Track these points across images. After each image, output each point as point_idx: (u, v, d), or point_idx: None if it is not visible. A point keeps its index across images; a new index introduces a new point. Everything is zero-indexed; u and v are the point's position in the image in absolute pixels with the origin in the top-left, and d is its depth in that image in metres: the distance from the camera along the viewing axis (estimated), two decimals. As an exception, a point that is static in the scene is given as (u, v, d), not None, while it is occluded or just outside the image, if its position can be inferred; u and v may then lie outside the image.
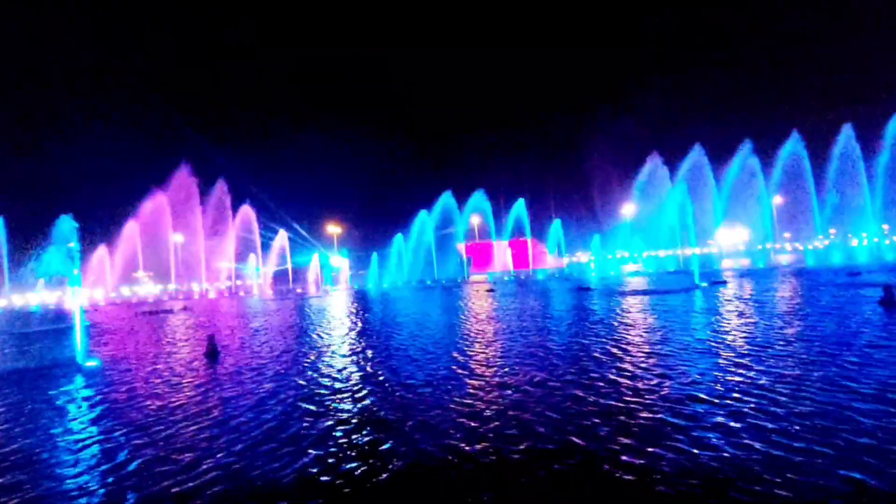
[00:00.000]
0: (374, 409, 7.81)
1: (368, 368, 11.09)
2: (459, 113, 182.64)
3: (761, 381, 7.77)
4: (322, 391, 9.12)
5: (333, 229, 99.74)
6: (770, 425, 5.84)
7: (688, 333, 13.00)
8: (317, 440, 6.46)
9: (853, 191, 65.36)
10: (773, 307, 18.03)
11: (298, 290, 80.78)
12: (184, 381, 10.91)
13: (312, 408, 8.01)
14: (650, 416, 6.52)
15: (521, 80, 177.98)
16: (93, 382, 11.46)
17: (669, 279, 44.58)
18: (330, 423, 7.18)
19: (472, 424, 6.66)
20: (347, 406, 8.05)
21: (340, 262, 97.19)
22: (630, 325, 15.52)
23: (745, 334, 12.24)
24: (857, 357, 9.05)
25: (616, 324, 16.10)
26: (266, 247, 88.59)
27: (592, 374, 9.05)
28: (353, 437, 6.51)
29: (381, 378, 9.99)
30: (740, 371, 8.55)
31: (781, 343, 10.84)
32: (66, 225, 16.65)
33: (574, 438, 5.87)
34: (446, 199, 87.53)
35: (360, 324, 21.91)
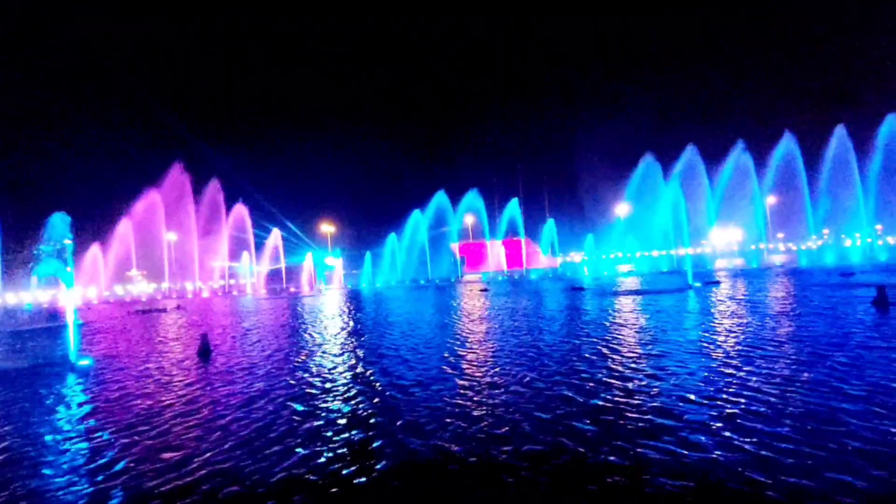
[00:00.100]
0: (364, 408, 7.77)
1: (359, 368, 11.05)
2: (454, 112, 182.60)
3: (752, 382, 7.76)
4: (312, 391, 9.07)
5: (327, 228, 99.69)
6: (759, 426, 5.81)
7: (679, 334, 13.01)
8: (305, 440, 6.40)
9: (846, 191, 65.79)
10: (765, 308, 18.10)
11: (292, 290, 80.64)
12: (175, 380, 10.85)
13: (302, 407, 7.96)
14: (639, 416, 6.49)
15: (517, 80, 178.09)
16: (85, 381, 11.40)
17: (663, 279, 44.71)
18: (319, 422, 7.13)
19: (461, 424, 6.62)
20: (337, 406, 8.00)
21: (334, 261, 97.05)
22: (622, 326, 15.53)
23: (737, 335, 12.27)
24: (849, 358, 9.05)
25: (608, 324, 16.11)
26: (259, 246, 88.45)
27: (583, 375, 9.02)
28: (342, 436, 6.46)
29: (371, 378, 9.95)
30: (731, 372, 8.55)
31: (773, 344, 10.86)
32: (60, 222, 16.51)
33: (563, 439, 5.84)
34: (440, 198, 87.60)
35: (352, 323, 21.88)
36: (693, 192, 70.51)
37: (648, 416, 6.46)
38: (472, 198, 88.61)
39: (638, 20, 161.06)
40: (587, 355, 10.83)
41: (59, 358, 14.56)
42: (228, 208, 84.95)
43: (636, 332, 14.07)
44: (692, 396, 7.23)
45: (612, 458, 5.21)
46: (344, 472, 5.31)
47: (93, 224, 79.12)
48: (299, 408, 7.95)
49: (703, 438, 5.56)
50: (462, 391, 8.39)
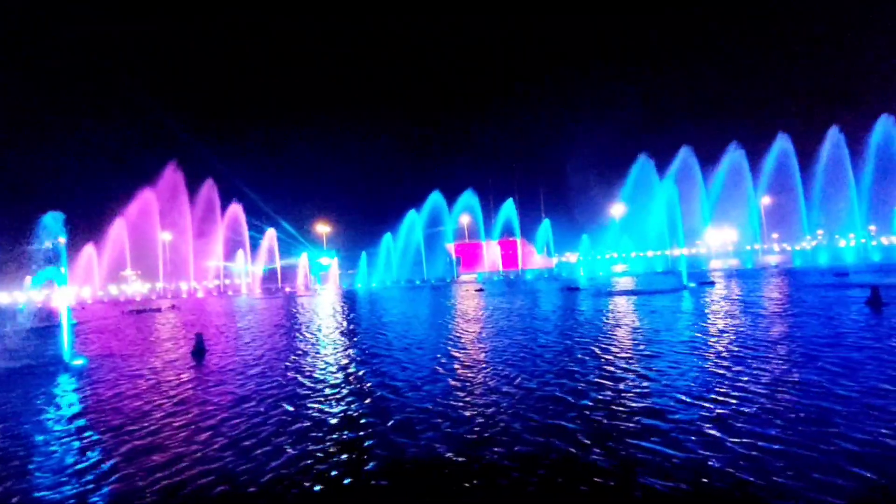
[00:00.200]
0: (355, 409, 7.71)
1: (352, 369, 11.00)
2: (449, 112, 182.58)
3: (743, 383, 7.74)
4: (304, 391, 9.01)
5: (322, 228, 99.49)
6: (749, 427, 5.79)
7: (673, 334, 13.01)
8: (296, 440, 6.36)
9: (840, 192, 66.09)
10: (760, 308, 18.14)
11: (287, 290, 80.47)
12: (169, 380, 10.80)
13: (293, 408, 7.90)
14: (630, 417, 6.47)
15: (512, 80, 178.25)
16: (78, 381, 11.35)
17: (658, 280, 44.83)
18: (309, 423, 7.08)
19: (452, 425, 6.59)
20: (328, 407, 7.95)
21: (329, 261, 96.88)
22: (616, 326, 15.54)
23: (730, 335, 12.28)
24: (842, 358, 9.04)
25: (602, 324, 16.12)
26: (255, 246, 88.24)
27: (576, 375, 9.00)
28: (332, 437, 6.42)
29: (363, 379, 9.89)
30: (723, 372, 8.54)
31: (767, 344, 10.85)
32: (53, 220, 16.38)
33: (554, 440, 5.81)
34: (435, 198, 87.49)
35: (346, 324, 21.83)
36: (688, 192, 70.77)
37: (639, 417, 6.43)
38: (468, 198, 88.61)
39: (635, 21, 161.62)
40: (580, 356, 10.81)
41: (52, 358, 14.47)
42: (224, 208, 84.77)
43: (630, 332, 14.07)
44: (683, 397, 7.20)
45: (602, 458, 5.17)
46: (333, 472, 5.27)
47: (87, 223, 78.80)
48: (291, 408, 7.90)
49: (692, 439, 5.54)
50: (454, 392, 8.35)
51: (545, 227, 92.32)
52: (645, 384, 8.10)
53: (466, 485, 4.86)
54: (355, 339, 16.25)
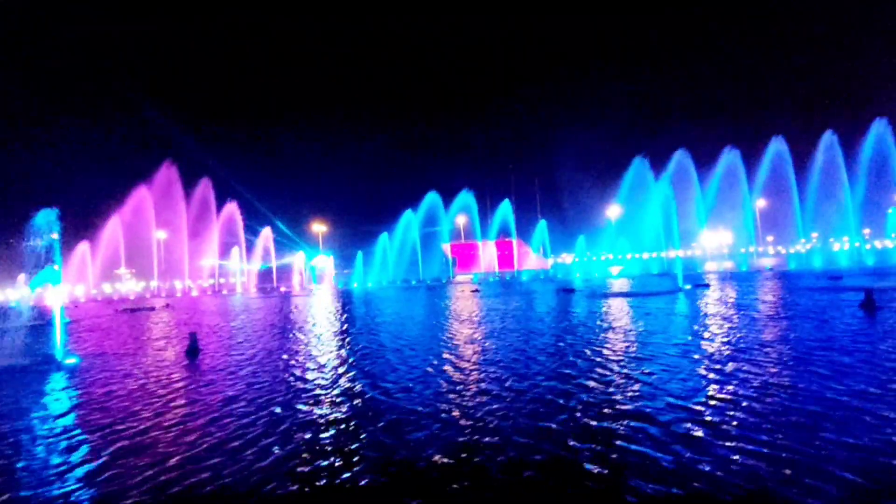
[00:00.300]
0: (345, 411, 7.67)
1: (344, 370, 10.94)
2: (445, 113, 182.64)
3: (736, 387, 7.73)
4: (297, 392, 8.96)
5: (318, 228, 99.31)
6: (740, 431, 5.78)
7: (667, 337, 13.01)
8: (286, 441, 6.33)
9: (834, 196, 66.41)
10: (754, 310, 18.16)
11: (282, 289, 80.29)
12: (161, 379, 10.77)
13: (284, 409, 7.86)
14: (624, 420, 6.45)
15: (508, 81, 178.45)
16: (70, 380, 11.30)
17: (653, 281, 44.88)
18: (301, 423, 7.04)
19: (443, 427, 6.56)
20: (320, 408, 7.90)
21: (325, 261, 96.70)
22: (611, 329, 15.53)
23: (724, 338, 12.28)
24: (834, 362, 9.03)
25: (597, 326, 16.12)
26: (250, 245, 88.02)
27: (570, 378, 8.98)
28: (322, 438, 6.38)
29: (355, 380, 9.85)
30: (717, 375, 8.53)
31: (760, 347, 10.84)
32: (46, 218, 16.28)
33: (545, 443, 5.79)
34: (432, 198, 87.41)
35: (340, 324, 21.77)
36: (684, 194, 71.00)
37: (628, 420, 6.41)
38: (464, 198, 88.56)
39: (632, 22, 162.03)
40: (575, 358, 10.79)
41: (45, 356, 14.38)
42: (219, 207, 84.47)
43: (625, 335, 14.05)
44: (675, 400, 7.18)
45: (590, 461, 5.15)
46: (321, 473, 5.25)
47: (81, 221, 78.28)
48: (281, 409, 7.85)
49: (681, 442, 5.52)
50: (446, 394, 8.32)
51: (541, 227, 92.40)
52: (636, 387, 8.09)
53: (455, 486, 4.84)
54: (349, 339, 16.21)
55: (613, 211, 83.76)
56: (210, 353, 13.99)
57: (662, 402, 7.15)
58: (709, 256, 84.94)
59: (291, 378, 10.21)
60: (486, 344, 13.53)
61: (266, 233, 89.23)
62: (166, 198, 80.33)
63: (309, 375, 10.42)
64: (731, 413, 6.46)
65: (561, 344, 12.78)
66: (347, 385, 9.44)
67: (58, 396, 9.76)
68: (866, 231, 78.97)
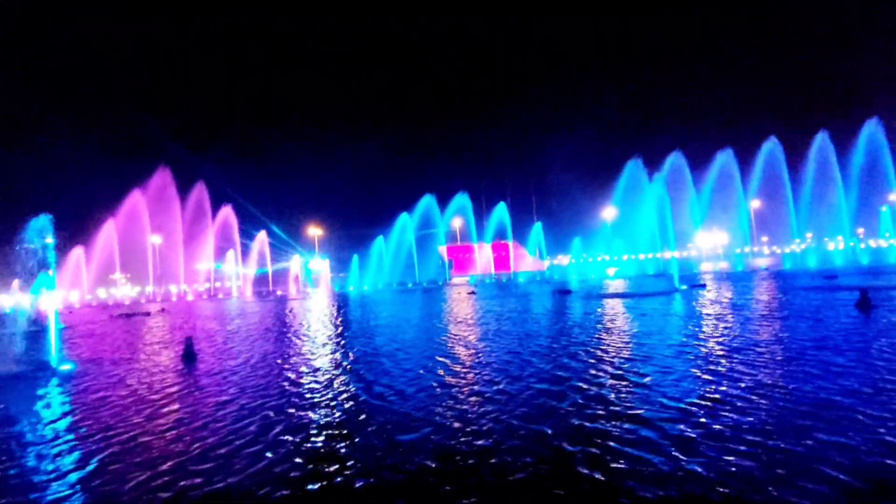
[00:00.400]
0: (353, 414, 7.67)
1: (341, 373, 10.91)
2: (441, 116, 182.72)
3: (731, 387, 7.73)
4: (292, 397, 8.93)
5: (314, 231, 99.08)
6: (736, 432, 5.78)
7: (663, 337, 13.03)
8: (294, 445, 6.32)
9: (829, 195, 66.75)
10: (750, 311, 18.21)
11: (279, 293, 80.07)
12: (157, 384, 10.74)
13: (280, 413, 7.84)
14: (617, 421, 6.45)
15: (504, 83, 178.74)
16: (65, 386, 11.23)
17: (649, 282, 44.91)
18: (308, 427, 7.03)
19: (438, 430, 6.55)
20: (315, 412, 7.87)
21: (321, 264, 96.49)
22: (607, 329, 15.55)
23: (719, 338, 12.29)
24: (830, 362, 9.04)
25: (593, 327, 16.12)
26: (246, 249, 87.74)
27: (566, 379, 8.99)
28: (332, 441, 6.38)
29: (350, 383, 9.81)
30: (711, 376, 8.53)
31: (756, 347, 10.86)
32: (40, 223, 16.20)
33: (541, 446, 5.79)
34: (427, 201, 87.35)
35: (336, 328, 21.71)
36: (679, 195, 71.17)
37: (631, 421, 6.41)
38: (460, 200, 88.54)
39: (626, 24, 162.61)
40: (572, 359, 10.81)
41: (39, 363, 14.28)
42: (214, 211, 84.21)
43: (621, 335, 14.08)
44: (669, 401, 7.18)
45: (592, 464, 5.14)
46: (317, 477, 5.24)
47: (76, 226, 77.89)
48: (276, 414, 7.83)
49: (676, 443, 5.52)
50: (442, 397, 8.30)
51: (537, 229, 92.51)
52: (631, 388, 8.09)
53: (447, 487, 4.84)
54: (344, 343, 16.17)
55: (609, 212, 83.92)
56: (206, 358, 13.92)
57: (656, 403, 7.15)
58: (704, 257, 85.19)
59: (286, 382, 10.16)
60: (481, 346, 13.52)
61: (262, 236, 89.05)
62: (161, 202, 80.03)
63: (304, 380, 10.38)
64: (725, 414, 6.46)
65: (556, 346, 12.77)
66: (341, 389, 9.40)
67: (52, 403, 9.72)
68: (860, 230, 79.40)
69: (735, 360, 9.58)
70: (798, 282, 33.30)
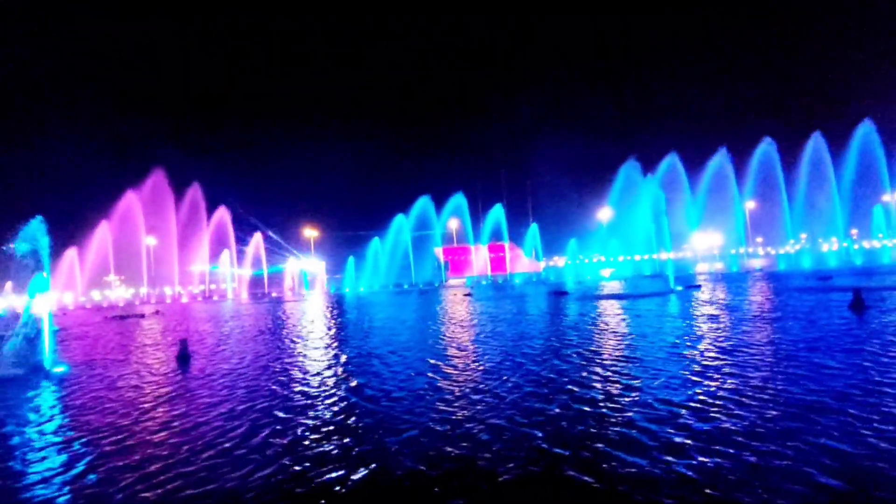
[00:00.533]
0: (342, 416, 7.62)
1: (338, 375, 10.89)
2: (437, 117, 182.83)
3: (722, 390, 7.72)
4: (290, 398, 8.90)
5: (310, 233, 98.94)
6: (727, 435, 5.77)
7: (657, 339, 13.04)
8: (282, 447, 6.27)
9: (823, 197, 67.10)
10: (744, 311, 18.26)
11: (274, 295, 79.94)
12: (151, 387, 10.67)
13: (279, 415, 7.80)
14: (616, 421, 6.45)
15: (500, 85, 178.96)
16: (59, 388, 11.17)
17: (645, 283, 45.00)
18: (296, 430, 6.97)
19: (434, 433, 6.52)
20: (314, 413, 7.84)
21: (317, 265, 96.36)
22: (603, 330, 15.57)
23: (713, 340, 12.30)
24: (822, 364, 9.04)
25: (589, 328, 16.16)
26: (241, 250, 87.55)
27: (562, 379, 8.99)
28: (319, 444, 6.33)
29: (350, 385, 9.78)
30: (702, 378, 8.52)
31: (749, 349, 10.86)
32: (34, 225, 16.10)
33: (541, 444, 5.79)
34: (423, 202, 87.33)
35: (332, 329, 21.69)
36: (675, 197, 71.40)
37: (626, 422, 6.41)
38: (457, 202, 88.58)
39: (623, 25, 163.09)
40: (568, 360, 10.83)
41: (33, 365, 14.19)
42: (209, 212, 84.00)
43: (617, 336, 14.10)
44: (669, 400, 7.19)
45: (588, 464, 5.12)
46: (322, 480, 5.21)
47: (70, 227, 77.49)
48: (276, 415, 7.80)
49: (677, 443, 5.51)
50: (437, 399, 8.27)
51: (533, 231, 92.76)
52: (622, 390, 8.08)
53: (446, 492, 4.82)
54: (338, 345, 16.15)
55: (605, 213, 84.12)
56: (200, 360, 13.87)
57: (646, 404, 7.14)
58: (700, 258, 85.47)
59: (279, 386, 10.11)
60: (475, 348, 13.51)
61: (257, 238, 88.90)
62: (156, 203, 79.78)
63: (297, 383, 10.33)
64: (714, 415, 6.45)
65: (549, 347, 12.78)
66: (332, 391, 9.37)
67: (45, 405, 9.65)
68: (854, 231, 79.92)
69: (727, 363, 9.58)
70: (792, 283, 33.42)
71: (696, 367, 9.35)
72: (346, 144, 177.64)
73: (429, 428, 6.74)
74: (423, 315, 26.33)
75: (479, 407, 7.64)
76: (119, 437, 7.14)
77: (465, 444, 5.99)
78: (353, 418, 7.47)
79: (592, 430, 6.25)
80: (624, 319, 18.38)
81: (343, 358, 13.20)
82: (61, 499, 5.15)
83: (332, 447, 6.22)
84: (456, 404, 7.87)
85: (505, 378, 9.47)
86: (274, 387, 9.94)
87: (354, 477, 5.24)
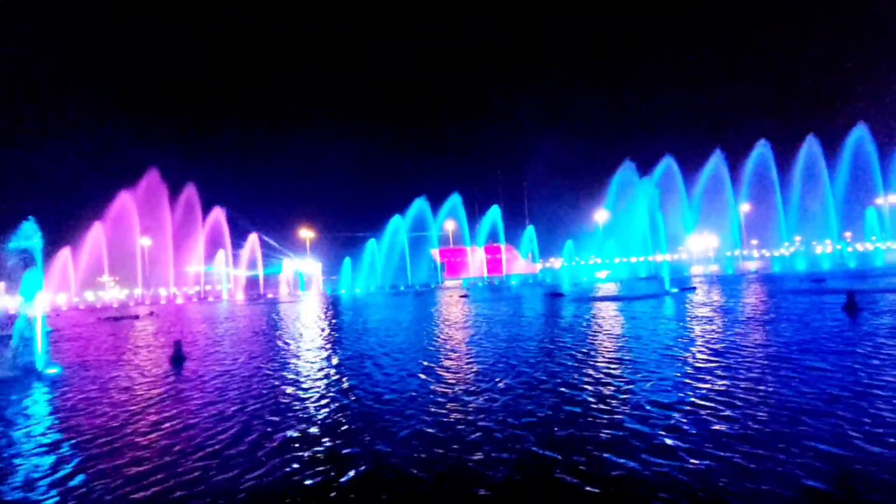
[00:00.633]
0: (336, 417, 7.61)
1: (331, 377, 10.85)
2: (434, 119, 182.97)
3: (713, 392, 7.73)
4: (284, 399, 8.87)
5: (306, 234, 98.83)
6: (717, 438, 5.78)
7: (654, 340, 13.08)
8: (275, 449, 6.24)
9: (816, 200, 67.50)
10: (738, 314, 18.33)
11: (270, 296, 79.73)
12: (145, 388, 10.59)
13: (270, 417, 7.76)
14: (609, 423, 6.45)
15: (496, 87, 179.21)
16: (51, 390, 11.08)
17: (640, 285, 45.18)
18: (290, 432, 6.94)
19: (434, 432, 6.52)
20: (308, 415, 7.82)
21: (312, 267, 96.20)
22: (598, 332, 15.59)
23: (706, 342, 12.32)
24: (814, 367, 9.05)
25: (584, 330, 16.18)
26: (237, 251, 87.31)
27: (556, 381, 8.99)
28: (313, 446, 6.30)
29: (342, 387, 9.76)
30: (699, 378, 8.55)
31: (744, 350, 10.91)
32: (27, 225, 16.01)
33: (533, 447, 5.78)
34: (420, 204, 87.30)
35: (327, 331, 21.66)
36: (670, 199, 71.74)
37: (618, 423, 6.42)
38: (453, 203, 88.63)
39: (619, 27, 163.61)
40: (562, 362, 10.82)
41: (25, 367, 14.10)
42: (205, 213, 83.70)
43: (611, 338, 14.13)
44: (657, 405, 7.17)
45: (581, 466, 5.12)
46: (314, 481, 5.19)
47: (63, 227, 76.97)
48: (271, 417, 7.77)
49: (669, 445, 5.52)
50: (433, 400, 8.26)
51: (529, 232, 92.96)
52: (613, 392, 8.08)
53: (442, 494, 4.82)
54: (337, 346, 16.13)
55: (601, 215, 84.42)
56: (195, 362, 13.81)
57: (638, 407, 7.14)
58: (695, 260, 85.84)
59: (280, 385, 10.09)
60: (470, 350, 13.51)
61: (252, 239, 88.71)
62: (151, 203, 79.38)
63: (299, 383, 10.32)
64: (706, 418, 6.45)
65: (552, 346, 12.85)
66: (338, 392, 9.35)
67: (37, 407, 9.59)
68: (847, 234, 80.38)
69: (719, 364, 9.60)
70: (786, 285, 33.57)
71: (689, 370, 9.37)
72: (342, 145, 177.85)
73: (420, 430, 6.71)
74: (418, 317, 26.32)
75: (470, 409, 7.62)
76: (109, 438, 7.09)
77: (455, 447, 5.98)
78: (344, 420, 7.45)
79: (583, 432, 6.24)
80: (618, 322, 18.41)
81: (336, 360, 13.17)
82: (48, 501, 5.10)
83: (322, 449, 6.19)
84: (448, 406, 7.85)
85: (498, 380, 9.46)
86: (266, 389, 9.89)
87: (344, 479, 5.21)
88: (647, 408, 7.08)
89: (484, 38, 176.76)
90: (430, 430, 6.67)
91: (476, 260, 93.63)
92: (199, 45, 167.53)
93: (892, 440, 5.39)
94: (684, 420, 6.45)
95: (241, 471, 5.59)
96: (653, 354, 11.15)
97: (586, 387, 8.52)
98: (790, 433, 5.75)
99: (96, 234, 77.38)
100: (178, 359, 13.80)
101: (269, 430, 7.12)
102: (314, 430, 7.07)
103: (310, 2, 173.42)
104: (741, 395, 7.40)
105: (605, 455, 5.42)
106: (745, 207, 77.54)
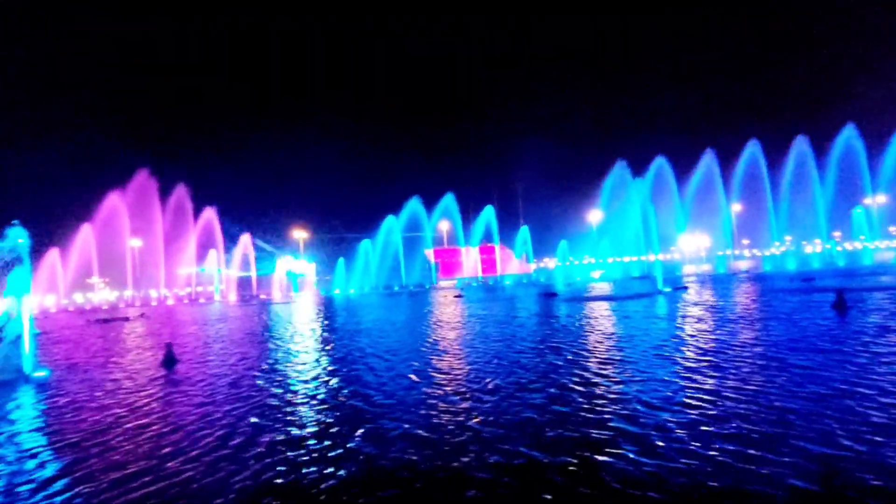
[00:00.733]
0: (326, 419, 7.58)
1: (324, 378, 10.82)
2: (429, 119, 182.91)
3: (704, 391, 7.75)
4: (275, 402, 8.81)
5: (299, 234, 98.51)
6: (707, 437, 5.79)
7: (646, 339, 13.11)
8: (265, 451, 6.21)
9: (806, 200, 68.04)
10: (730, 312, 18.43)
11: (262, 297, 79.42)
12: (135, 391, 10.51)
13: (264, 419, 7.72)
14: (601, 423, 6.45)
15: (491, 88, 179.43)
16: (39, 393, 10.97)
17: (633, 284, 45.32)
18: (280, 434, 6.90)
19: (424, 434, 6.50)
20: (299, 417, 7.78)
21: (306, 267, 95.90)
22: (591, 332, 15.64)
23: (697, 340, 12.37)
24: (806, 362, 9.14)
25: (577, 330, 16.23)
26: (229, 252, 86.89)
27: (548, 381, 8.99)
28: (303, 448, 6.26)
29: (336, 388, 9.73)
30: (685, 381, 8.54)
31: (735, 348, 10.97)
32: (14, 226, 15.82)
33: (523, 448, 5.76)
34: (414, 204, 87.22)
35: (320, 332, 21.60)
36: (663, 199, 72.07)
37: (611, 423, 6.42)
38: (447, 203, 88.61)
39: (614, 28, 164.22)
40: (555, 362, 10.81)
41: (12, 369, 13.95)
42: (196, 213, 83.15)
43: (604, 337, 14.16)
44: (654, 402, 7.21)
45: (571, 466, 5.13)
46: (303, 482, 5.18)
47: (51, 228, 76.06)
48: (261, 419, 7.72)
49: (661, 444, 5.53)
50: (427, 400, 8.26)
51: (523, 233, 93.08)
52: (618, 389, 8.10)
53: (436, 493, 4.81)
54: (329, 347, 16.09)
55: (595, 216, 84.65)
56: (186, 364, 13.71)
57: (629, 406, 7.15)
58: (687, 259, 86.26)
59: (272, 387, 10.04)
60: (470, 349, 13.50)
61: (245, 240, 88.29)
62: (141, 204, 78.71)
63: (290, 384, 10.28)
64: (695, 417, 6.47)
65: (544, 346, 12.87)
66: (329, 393, 9.34)
67: (24, 411, 9.49)
68: (837, 234, 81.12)
69: (710, 363, 9.64)
70: (777, 284, 33.78)
71: (679, 369, 9.40)
72: (336, 145, 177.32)
73: (411, 432, 6.69)
74: (412, 317, 26.28)
75: (462, 409, 7.61)
76: (97, 441, 7.04)
77: (446, 448, 5.96)
78: (335, 422, 7.41)
79: (574, 432, 6.24)
80: (611, 321, 18.45)
81: (328, 361, 13.12)
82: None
83: (312, 452, 6.15)
84: (439, 407, 7.83)
85: (488, 381, 9.45)
86: (256, 391, 9.83)
87: (333, 482, 5.18)
88: (638, 407, 7.09)
89: (477, 39, 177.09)
90: (420, 432, 6.65)
91: (470, 260, 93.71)
92: (191, 45, 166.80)
93: (878, 439, 5.42)
94: (674, 419, 6.46)
95: (227, 473, 5.55)
96: (645, 353, 11.17)
97: (578, 387, 8.51)
98: (778, 432, 5.76)
99: (86, 235, 76.49)
100: (169, 361, 13.71)
101: (257, 432, 7.08)
102: (303, 432, 7.03)
103: (306, 1, 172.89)
104: (730, 395, 7.41)
105: (597, 455, 5.42)
106: (736, 207, 78.03)
